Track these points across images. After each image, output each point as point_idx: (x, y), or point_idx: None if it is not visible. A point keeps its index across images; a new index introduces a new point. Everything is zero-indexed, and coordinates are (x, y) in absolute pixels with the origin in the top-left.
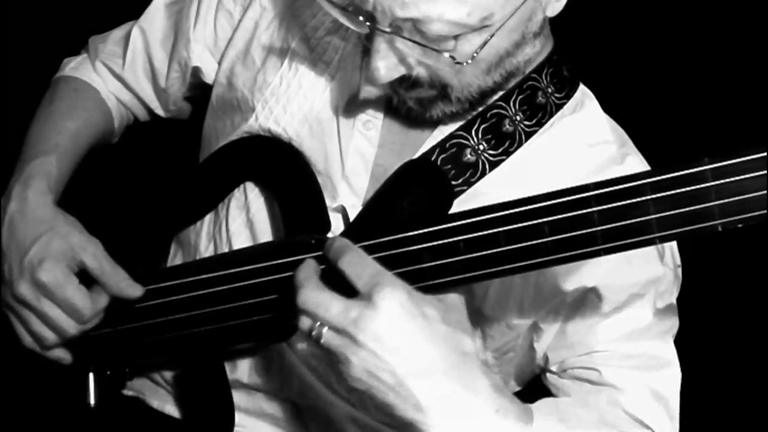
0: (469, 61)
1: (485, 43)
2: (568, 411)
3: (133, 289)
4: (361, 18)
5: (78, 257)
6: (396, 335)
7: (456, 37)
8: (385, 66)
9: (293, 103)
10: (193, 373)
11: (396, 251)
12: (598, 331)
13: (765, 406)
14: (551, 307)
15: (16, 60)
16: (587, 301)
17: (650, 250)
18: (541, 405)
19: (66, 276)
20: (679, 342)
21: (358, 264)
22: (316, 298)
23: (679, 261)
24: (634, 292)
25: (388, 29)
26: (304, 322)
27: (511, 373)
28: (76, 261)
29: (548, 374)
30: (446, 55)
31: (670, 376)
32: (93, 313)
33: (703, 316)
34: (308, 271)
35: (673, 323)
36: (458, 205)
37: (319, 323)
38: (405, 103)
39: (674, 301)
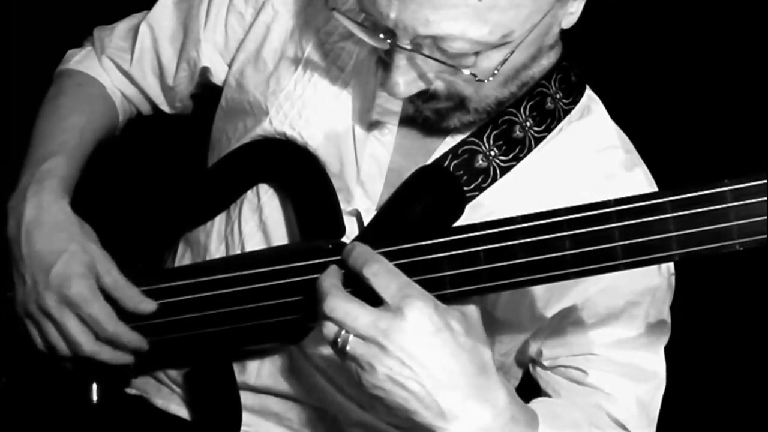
0: (490, 79)
1: (505, 60)
2: (564, 415)
3: (146, 305)
4: (381, 35)
5: (96, 272)
6: (425, 347)
7: (476, 54)
8: (405, 81)
9: (308, 108)
10: (200, 373)
11: (416, 259)
12: (593, 334)
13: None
14: (559, 311)
15: (18, 53)
16: (588, 303)
17: None
18: (542, 408)
19: (93, 292)
20: (677, 344)
21: (384, 275)
22: (344, 307)
23: (672, 269)
24: (631, 300)
25: (408, 46)
26: (330, 329)
27: (512, 372)
28: (96, 274)
29: (538, 368)
30: (466, 71)
31: (655, 386)
32: (114, 331)
33: (700, 319)
34: (333, 279)
35: (663, 332)
36: (470, 210)
37: (345, 331)
38: (422, 113)
39: (667, 309)
